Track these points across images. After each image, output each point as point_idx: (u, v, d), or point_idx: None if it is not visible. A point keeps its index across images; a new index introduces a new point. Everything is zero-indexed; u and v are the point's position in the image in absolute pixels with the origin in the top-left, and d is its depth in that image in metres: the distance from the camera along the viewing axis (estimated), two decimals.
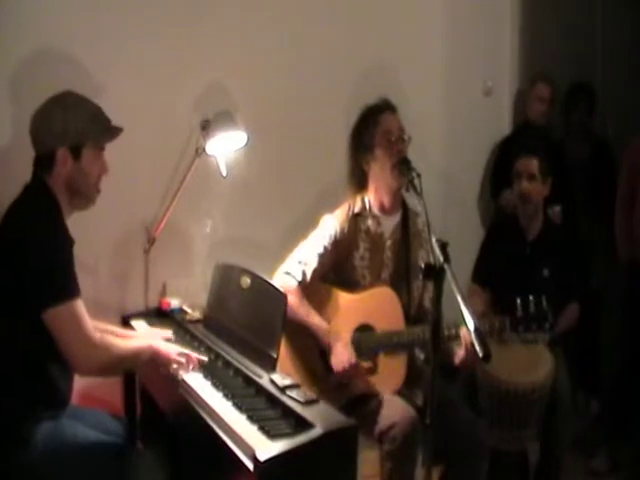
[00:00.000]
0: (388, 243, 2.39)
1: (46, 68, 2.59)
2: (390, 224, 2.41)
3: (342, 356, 2.20)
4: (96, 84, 2.60)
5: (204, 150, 2.78)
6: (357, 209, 2.42)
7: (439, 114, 3.66)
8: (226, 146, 2.82)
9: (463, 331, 2.03)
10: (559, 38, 4.00)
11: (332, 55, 3.26)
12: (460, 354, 2.09)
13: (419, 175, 2.17)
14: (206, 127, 2.77)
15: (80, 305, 1.85)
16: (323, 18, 3.26)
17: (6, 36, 2.53)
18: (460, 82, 3.74)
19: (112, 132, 2.06)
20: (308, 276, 2.37)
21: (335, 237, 2.39)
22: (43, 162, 1.96)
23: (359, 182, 2.44)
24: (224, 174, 2.90)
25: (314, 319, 2.31)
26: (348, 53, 3.30)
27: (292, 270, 2.39)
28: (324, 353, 2.34)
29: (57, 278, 1.82)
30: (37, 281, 1.80)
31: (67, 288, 1.83)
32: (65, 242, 1.88)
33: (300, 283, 2.36)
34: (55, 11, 2.60)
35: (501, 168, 3.61)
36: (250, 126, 2.85)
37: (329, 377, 2.31)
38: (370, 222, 2.40)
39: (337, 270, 2.43)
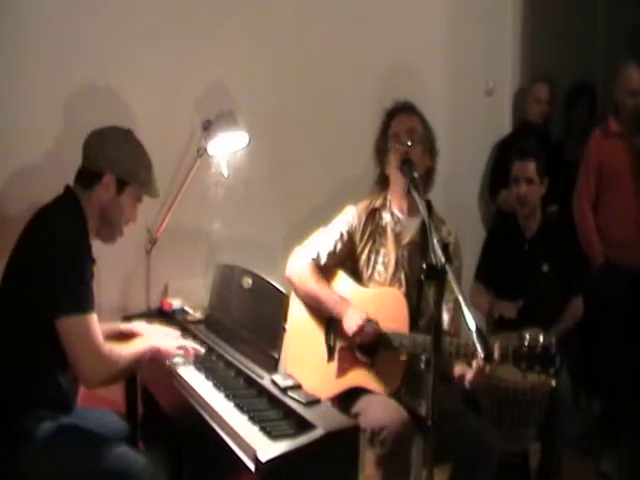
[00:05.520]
0: (404, 242, 2.39)
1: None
2: (410, 225, 2.40)
3: (354, 316, 2.21)
4: (101, 85, 2.64)
5: (206, 151, 2.78)
6: (378, 204, 2.44)
7: (441, 114, 3.65)
8: (228, 146, 2.82)
9: (478, 357, 1.98)
10: (560, 38, 4.01)
11: (333, 56, 3.27)
12: (469, 375, 2.07)
13: (420, 176, 2.18)
14: (208, 127, 2.77)
15: (94, 320, 1.89)
16: (324, 19, 3.26)
17: None
18: (462, 82, 3.75)
19: (154, 190, 2.16)
20: (323, 257, 2.40)
21: (352, 225, 2.41)
22: (87, 177, 2.04)
23: (382, 186, 2.47)
24: (226, 174, 2.91)
25: (325, 290, 2.33)
26: (348, 54, 3.30)
27: (308, 248, 2.44)
28: (329, 338, 2.35)
29: (76, 290, 1.87)
30: (57, 289, 1.84)
31: (84, 301, 1.88)
32: (88, 259, 1.93)
33: (314, 260, 2.40)
34: (56, 13, 2.61)
35: (499, 169, 3.62)
36: (252, 126, 2.86)
37: (331, 364, 2.32)
38: (389, 219, 2.41)
39: (353, 261, 2.44)
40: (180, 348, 2.21)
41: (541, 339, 1.92)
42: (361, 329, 2.18)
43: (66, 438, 1.89)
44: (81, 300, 1.87)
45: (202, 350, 2.28)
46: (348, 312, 2.24)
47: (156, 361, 2.14)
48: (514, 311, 2.85)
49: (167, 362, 2.19)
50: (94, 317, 1.89)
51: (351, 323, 2.20)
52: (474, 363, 2.03)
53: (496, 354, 1.93)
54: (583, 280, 3.00)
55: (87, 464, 1.86)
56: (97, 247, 2.01)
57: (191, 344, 2.27)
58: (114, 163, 2.03)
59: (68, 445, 1.87)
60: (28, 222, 1.98)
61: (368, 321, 2.19)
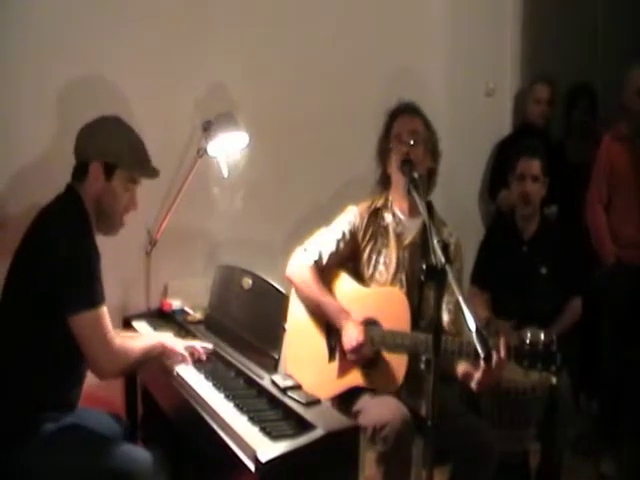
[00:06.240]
0: (406, 243, 2.38)
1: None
2: (411, 226, 2.40)
3: (352, 334, 2.21)
4: (101, 85, 2.63)
5: (205, 151, 2.78)
6: (379, 204, 2.44)
7: (441, 115, 3.65)
8: (228, 147, 2.82)
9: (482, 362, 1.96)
10: (560, 39, 4.01)
11: (334, 56, 3.27)
12: (477, 375, 2.04)
13: (420, 176, 2.18)
14: (208, 128, 2.77)
15: (105, 312, 1.91)
16: (325, 20, 3.27)
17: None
18: (462, 83, 3.75)
19: (147, 169, 2.12)
20: (324, 258, 2.39)
21: (354, 225, 2.41)
22: (78, 170, 2.04)
23: (384, 186, 2.47)
24: (225, 175, 2.91)
25: (327, 297, 2.33)
26: (349, 54, 3.30)
27: (310, 248, 2.43)
28: (330, 339, 2.35)
29: (85, 285, 1.87)
30: (66, 287, 1.85)
31: (95, 295, 1.89)
32: (94, 253, 1.93)
33: (316, 262, 2.39)
34: (56, 14, 2.61)
35: (499, 169, 3.63)
36: (252, 127, 2.86)
37: (332, 364, 2.32)
38: (390, 219, 2.41)
39: (354, 261, 2.44)
40: (187, 348, 2.22)
41: (542, 337, 1.93)
42: (357, 350, 2.19)
43: (67, 437, 1.89)
44: (91, 295, 1.88)
45: (210, 346, 2.29)
46: (347, 328, 2.23)
47: (162, 356, 2.17)
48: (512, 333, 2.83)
49: (169, 361, 2.19)
50: (105, 310, 1.91)
51: (348, 341, 2.21)
52: (482, 363, 2.01)
53: (502, 352, 1.93)
54: (582, 281, 3.00)
55: (88, 463, 1.87)
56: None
57: (199, 344, 2.27)
58: (98, 149, 2.01)
59: (69, 444, 1.87)
60: (31, 223, 1.97)
61: (364, 344, 2.19)
